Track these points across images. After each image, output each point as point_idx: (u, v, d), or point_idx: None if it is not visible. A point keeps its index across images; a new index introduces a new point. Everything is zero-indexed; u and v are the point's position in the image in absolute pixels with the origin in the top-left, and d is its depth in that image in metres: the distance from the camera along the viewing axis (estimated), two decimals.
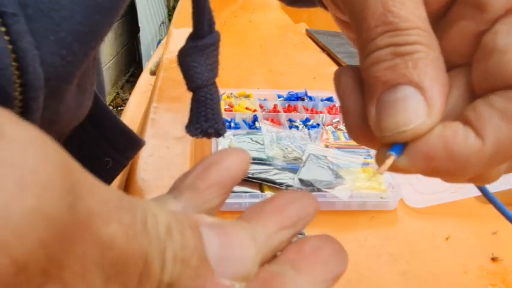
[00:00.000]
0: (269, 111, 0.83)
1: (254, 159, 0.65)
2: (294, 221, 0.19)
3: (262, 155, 0.67)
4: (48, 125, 0.23)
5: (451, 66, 0.20)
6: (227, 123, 0.77)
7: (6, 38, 0.19)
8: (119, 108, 3.17)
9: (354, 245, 0.54)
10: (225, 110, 0.81)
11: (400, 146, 0.19)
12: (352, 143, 0.72)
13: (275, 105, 0.84)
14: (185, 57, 0.31)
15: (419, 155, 0.18)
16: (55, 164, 0.12)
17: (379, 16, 0.19)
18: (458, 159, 0.18)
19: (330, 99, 0.87)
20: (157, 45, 3.03)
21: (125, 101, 3.11)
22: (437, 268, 0.51)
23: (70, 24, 0.21)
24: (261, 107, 0.83)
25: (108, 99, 3.27)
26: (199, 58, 0.31)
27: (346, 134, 0.76)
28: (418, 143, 0.18)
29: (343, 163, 0.66)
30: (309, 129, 0.77)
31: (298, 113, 0.82)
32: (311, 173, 0.63)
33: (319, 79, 1.02)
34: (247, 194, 0.60)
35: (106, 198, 0.13)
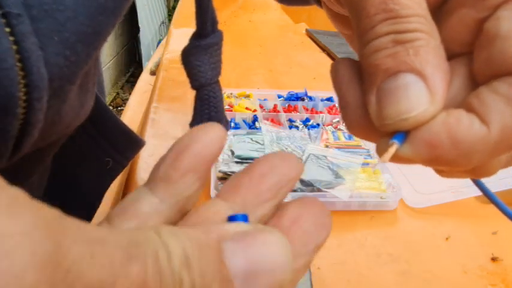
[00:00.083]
0: (269, 111, 0.83)
1: (254, 159, 0.65)
2: (274, 192, 0.18)
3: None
4: (50, 125, 0.23)
5: (450, 56, 0.20)
6: None
7: (11, 38, 0.19)
8: (119, 108, 3.17)
9: (354, 245, 0.54)
10: (225, 110, 0.81)
11: (402, 134, 0.19)
12: (352, 143, 0.72)
13: (275, 105, 0.84)
14: (189, 56, 0.31)
15: (422, 142, 0.18)
16: (44, 260, 0.11)
17: (378, 3, 0.18)
18: (463, 146, 0.17)
19: (330, 99, 0.87)
20: (157, 45, 3.04)
21: (124, 101, 3.11)
22: (437, 268, 0.51)
23: (74, 25, 0.21)
24: (261, 107, 0.83)
25: (108, 99, 3.27)
26: (202, 57, 0.31)
27: (346, 134, 0.76)
28: (421, 131, 0.18)
29: (343, 163, 0.66)
30: (309, 129, 0.77)
31: (298, 113, 0.82)
32: (311, 173, 0.63)
33: (319, 79, 1.02)
34: None
35: (110, 260, 0.12)
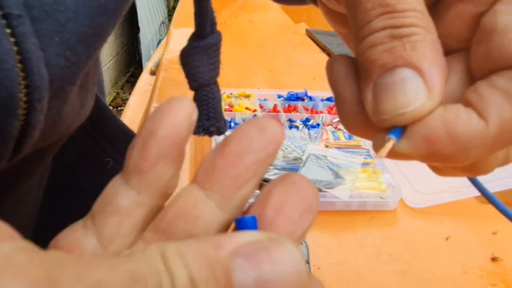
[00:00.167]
0: (269, 111, 0.83)
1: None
2: (253, 172, 0.17)
3: None
4: (51, 126, 0.23)
5: (447, 51, 0.20)
6: (227, 123, 0.77)
7: (12, 39, 0.19)
8: (119, 108, 3.18)
9: (354, 245, 0.54)
10: (225, 110, 0.81)
11: (399, 130, 0.18)
12: (352, 142, 0.72)
13: (275, 105, 0.84)
14: (187, 57, 0.31)
15: (419, 137, 0.18)
16: None
17: None
18: (461, 141, 0.17)
19: (330, 99, 0.87)
20: (157, 45, 3.04)
21: (124, 101, 3.11)
22: (437, 268, 0.51)
23: (74, 26, 0.21)
24: (261, 107, 0.83)
25: (108, 99, 3.27)
26: (201, 58, 0.31)
27: (346, 134, 0.76)
28: (418, 126, 0.18)
29: (343, 163, 0.66)
30: (309, 129, 0.77)
31: (298, 113, 0.82)
32: (311, 173, 0.63)
33: (319, 79, 1.02)
34: None
35: None
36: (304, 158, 0.67)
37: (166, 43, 1.19)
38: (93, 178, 0.37)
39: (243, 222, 0.17)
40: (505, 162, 0.21)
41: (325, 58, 1.16)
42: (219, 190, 0.17)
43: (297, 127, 0.78)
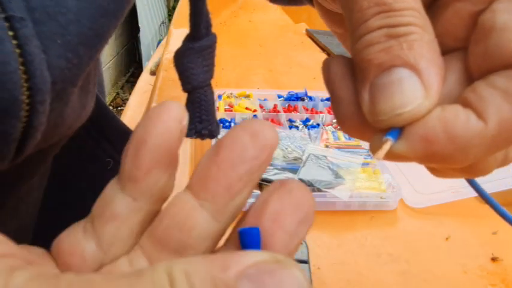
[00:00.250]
0: (269, 111, 0.83)
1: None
2: (245, 181, 0.17)
3: None
4: (52, 127, 0.23)
5: (445, 51, 0.19)
6: (227, 123, 0.77)
7: (14, 42, 0.19)
8: (119, 108, 3.18)
9: (354, 245, 0.54)
10: (225, 110, 0.82)
11: (397, 131, 0.18)
12: (352, 142, 0.72)
13: (275, 105, 0.84)
14: (181, 59, 0.31)
15: (417, 138, 0.18)
16: None
17: None
18: (460, 141, 0.17)
19: (330, 98, 0.87)
20: (157, 45, 3.04)
21: (124, 101, 3.11)
22: (437, 268, 0.51)
23: (76, 28, 0.21)
24: (261, 107, 0.83)
25: (108, 99, 3.27)
26: (195, 60, 0.31)
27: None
28: (416, 126, 0.18)
29: (343, 163, 0.66)
30: (309, 129, 0.77)
31: (298, 113, 0.82)
32: (311, 173, 0.63)
33: (319, 79, 1.01)
34: None
35: None
36: (304, 158, 0.67)
37: (166, 43, 1.19)
38: (93, 178, 0.37)
39: (247, 234, 0.16)
40: (503, 163, 0.21)
41: (325, 58, 1.16)
42: (212, 200, 0.17)
43: (297, 127, 0.78)
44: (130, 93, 1.55)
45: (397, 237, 0.56)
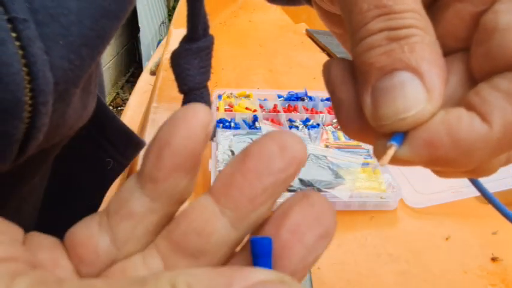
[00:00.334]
0: (269, 111, 0.83)
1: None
2: (269, 194, 0.17)
3: None
4: (54, 128, 0.23)
5: (446, 52, 0.19)
6: (227, 123, 0.77)
7: (17, 43, 0.19)
8: (119, 108, 3.17)
9: (354, 245, 0.54)
10: (225, 110, 0.82)
11: (400, 136, 0.18)
12: (352, 143, 0.72)
13: (275, 105, 0.84)
14: (178, 60, 0.31)
15: (422, 143, 0.17)
16: None
17: None
18: (464, 145, 0.17)
19: (330, 99, 0.87)
20: (157, 45, 3.04)
21: (124, 101, 3.11)
22: (437, 268, 0.51)
23: (78, 29, 0.21)
24: (261, 107, 0.83)
25: (108, 99, 3.27)
26: (192, 61, 0.31)
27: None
28: (420, 131, 0.17)
29: (343, 163, 0.66)
30: (309, 129, 0.77)
31: (298, 113, 0.82)
32: (311, 173, 0.63)
33: (319, 79, 1.01)
34: None
35: None
36: None
37: (166, 43, 1.19)
38: (93, 178, 0.37)
39: (258, 244, 0.16)
40: (507, 162, 0.20)
41: (325, 58, 1.17)
42: (234, 208, 0.17)
43: (297, 127, 0.78)
44: (130, 93, 1.55)
45: (397, 237, 0.56)
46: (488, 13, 0.18)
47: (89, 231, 0.17)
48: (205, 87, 0.32)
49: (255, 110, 0.82)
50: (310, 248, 0.16)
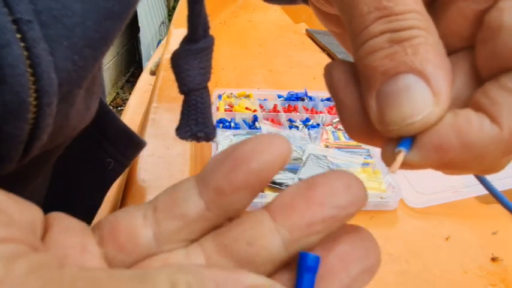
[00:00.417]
0: (269, 111, 0.83)
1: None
2: (327, 225, 0.17)
3: None
4: (58, 129, 0.23)
5: (450, 51, 0.19)
6: (227, 123, 0.77)
7: (22, 44, 0.19)
8: (119, 108, 3.17)
9: None
10: (225, 110, 0.82)
11: (409, 140, 0.17)
12: (352, 143, 0.72)
13: (275, 105, 0.84)
14: (178, 60, 0.31)
15: (431, 147, 0.17)
16: None
17: (371, 1, 0.17)
18: (475, 148, 0.16)
19: (330, 99, 0.87)
20: (157, 45, 3.04)
21: (124, 101, 3.11)
22: (437, 268, 0.51)
23: (82, 30, 0.21)
24: (261, 107, 0.83)
25: (108, 99, 3.27)
26: (192, 61, 0.31)
27: (346, 134, 0.76)
28: (429, 135, 0.17)
29: (343, 163, 0.66)
30: (309, 129, 0.77)
31: (298, 113, 0.82)
32: (311, 173, 0.63)
33: (319, 79, 1.01)
34: None
35: None
36: (304, 158, 0.67)
37: (166, 43, 1.19)
38: (94, 179, 0.37)
39: (307, 259, 0.17)
40: None
41: (325, 58, 1.17)
42: (290, 229, 0.17)
43: (297, 127, 0.78)
44: (130, 93, 1.55)
45: (397, 237, 0.56)
46: (492, 11, 0.18)
47: (132, 221, 0.17)
48: (205, 88, 0.32)
49: (255, 110, 0.82)
50: (353, 279, 0.17)
